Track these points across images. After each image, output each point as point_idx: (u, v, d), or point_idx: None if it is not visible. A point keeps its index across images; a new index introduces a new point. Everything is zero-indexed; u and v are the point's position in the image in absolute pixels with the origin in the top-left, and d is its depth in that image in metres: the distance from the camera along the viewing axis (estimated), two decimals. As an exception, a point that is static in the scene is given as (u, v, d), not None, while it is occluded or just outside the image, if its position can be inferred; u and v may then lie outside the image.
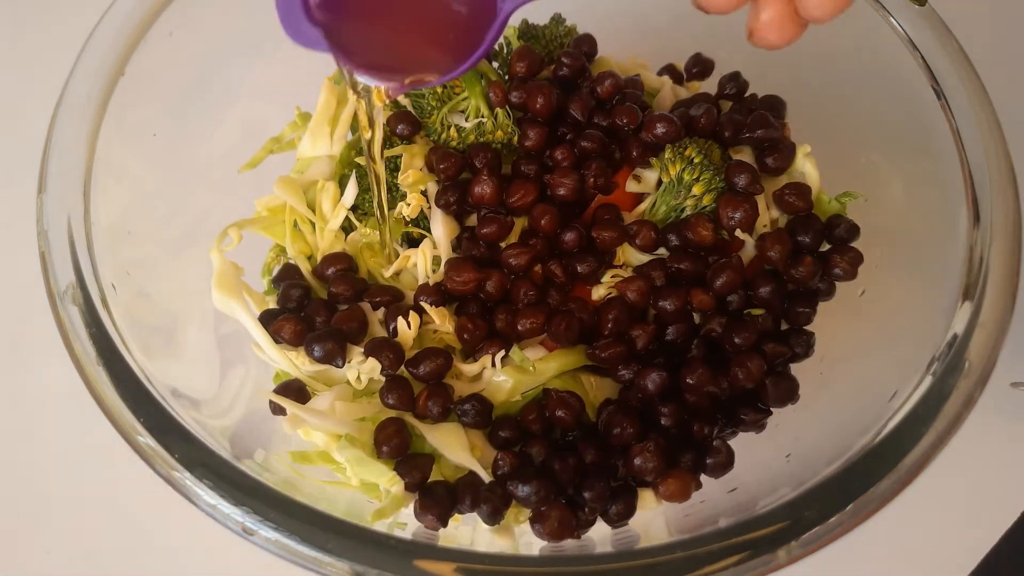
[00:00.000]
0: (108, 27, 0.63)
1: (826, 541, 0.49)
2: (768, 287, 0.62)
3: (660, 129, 0.65)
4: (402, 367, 0.61)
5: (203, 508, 0.49)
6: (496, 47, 0.75)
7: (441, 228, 0.66)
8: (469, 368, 0.62)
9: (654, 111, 0.70)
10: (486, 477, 0.57)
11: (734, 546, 0.48)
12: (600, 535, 0.59)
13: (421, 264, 0.66)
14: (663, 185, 0.65)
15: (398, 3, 0.51)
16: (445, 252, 0.65)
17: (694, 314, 0.64)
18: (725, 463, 0.60)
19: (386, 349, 0.60)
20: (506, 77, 0.72)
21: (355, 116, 0.70)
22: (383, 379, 0.61)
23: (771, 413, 0.63)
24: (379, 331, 0.63)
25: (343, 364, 0.60)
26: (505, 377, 0.61)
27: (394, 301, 0.64)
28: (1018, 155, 0.59)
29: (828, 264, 0.64)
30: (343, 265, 0.66)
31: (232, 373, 0.65)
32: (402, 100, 0.71)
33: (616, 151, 0.68)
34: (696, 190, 0.63)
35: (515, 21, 0.74)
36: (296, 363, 0.60)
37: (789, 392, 0.62)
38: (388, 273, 0.67)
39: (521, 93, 0.68)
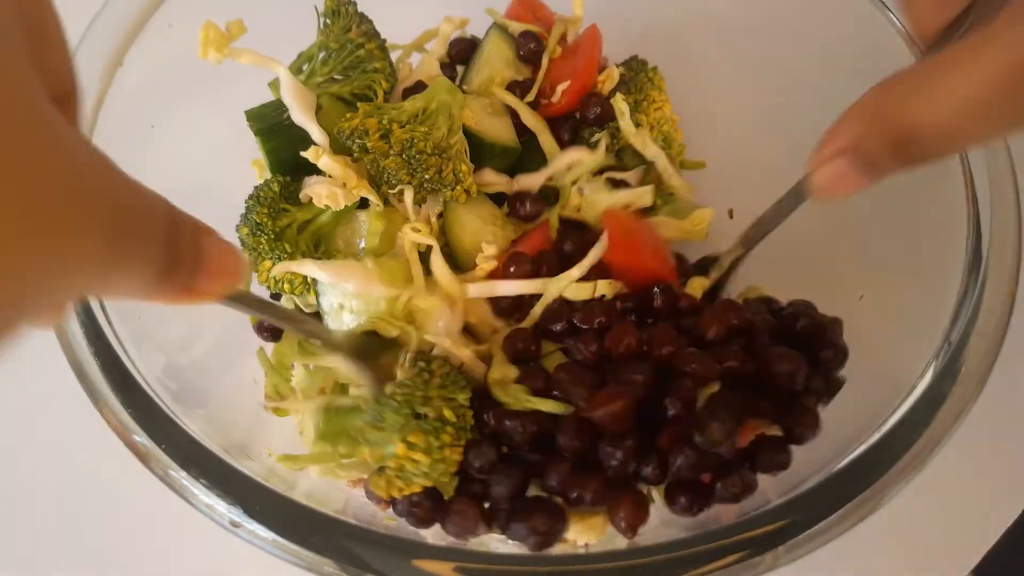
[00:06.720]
0: (107, 18, 0.62)
1: (823, 541, 0.48)
2: None
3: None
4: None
5: (199, 508, 0.49)
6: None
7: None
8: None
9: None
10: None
11: (732, 545, 0.48)
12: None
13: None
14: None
15: None
16: None
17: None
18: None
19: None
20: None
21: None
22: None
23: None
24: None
25: None
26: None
27: None
28: (1019, 154, 0.58)
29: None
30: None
31: (229, 370, 0.65)
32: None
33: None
34: None
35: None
36: None
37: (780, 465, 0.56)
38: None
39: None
